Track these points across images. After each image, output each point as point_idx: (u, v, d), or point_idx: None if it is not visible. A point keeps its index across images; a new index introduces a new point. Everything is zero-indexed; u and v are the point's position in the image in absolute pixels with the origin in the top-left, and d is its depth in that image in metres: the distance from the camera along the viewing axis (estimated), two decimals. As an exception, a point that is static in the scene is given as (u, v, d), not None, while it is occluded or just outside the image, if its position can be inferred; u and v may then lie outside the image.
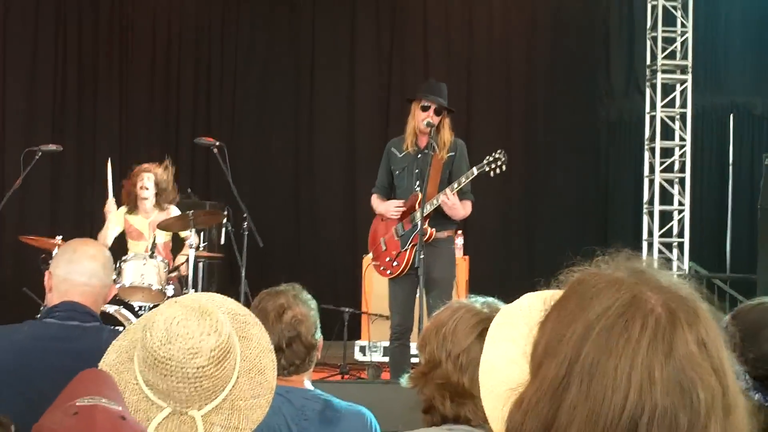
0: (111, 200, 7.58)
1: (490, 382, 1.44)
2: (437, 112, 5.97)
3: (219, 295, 2.27)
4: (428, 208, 5.84)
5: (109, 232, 7.60)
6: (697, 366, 1.03)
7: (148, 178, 7.59)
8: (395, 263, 6.05)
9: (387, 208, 6.17)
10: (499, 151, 5.85)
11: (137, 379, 1.99)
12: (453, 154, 6.04)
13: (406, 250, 5.99)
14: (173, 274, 7.37)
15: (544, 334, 1.13)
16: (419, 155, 6.02)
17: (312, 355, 2.93)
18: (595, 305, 1.08)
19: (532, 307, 1.47)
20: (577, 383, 1.04)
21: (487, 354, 1.49)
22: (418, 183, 5.94)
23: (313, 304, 2.99)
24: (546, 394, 1.06)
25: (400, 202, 6.11)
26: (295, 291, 2.99)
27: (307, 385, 2.94)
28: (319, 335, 2.95)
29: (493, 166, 5.80)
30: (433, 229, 5.90)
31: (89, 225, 10.00)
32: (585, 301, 1.09)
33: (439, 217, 5.94)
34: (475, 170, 5.82)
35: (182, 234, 7.72)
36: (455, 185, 5.82)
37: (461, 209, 5.92)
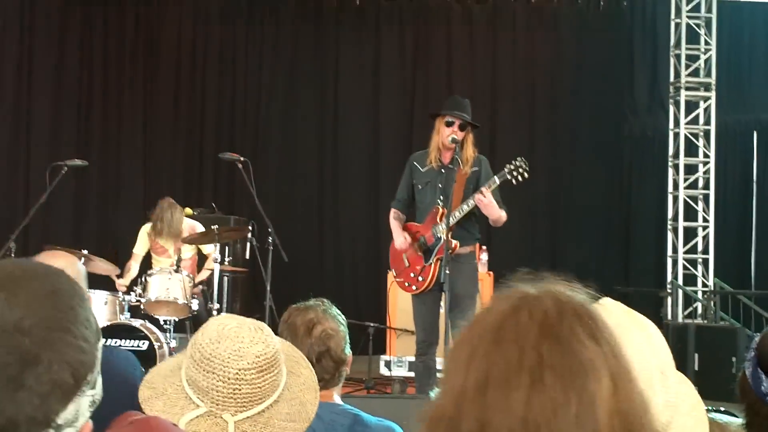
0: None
1: None
2: (461, 128, 5.97)
3: (279, 338, 2.27)
4: (451, 221, 5.83)
5: (134, 267, 7.74)
6: (587, 351, 1.04)
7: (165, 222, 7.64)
8: (420, 278, 6.03)
9: (403, 246, 6.14)
10: (519, 159, 5.84)
11: (182, 380, 2.04)
12: (477, 169, 6.03)
13: (430, 264, 5.98)
14: (197, 288, 7.41)
15: (450, 353, 1.15)
16: (443, 170, 6.01)
17: (341, 370, 2.92)
18: (490, 311, 1.11)
19: None
20: (474, 379, 1.05)
21: None
22: (441, 198, 5.94)
23: (343, 319, 2.98)
24: (449, 400, 1.08)
25: (408, 242, 6.10)
26: (324, 306, 2.99)
27: (336, 399, 2.93)
28: (348, 350, 2.95)
29: (515, 173, 5.79)
30: (457, 242, 5.88)
31: (112, 240, 10.08)
32: (483, 312, 1.13)
33: (460, 232, 5.91)
34: (497, 179, 5.80)
35: (205, 250, 7.78)
36: (491, 183, 5.78)
37: (497, 209, 5.84)
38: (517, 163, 5.80)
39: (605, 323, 1.10)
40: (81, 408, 1.00)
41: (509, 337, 1.05)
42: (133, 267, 7.74)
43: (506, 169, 5.81)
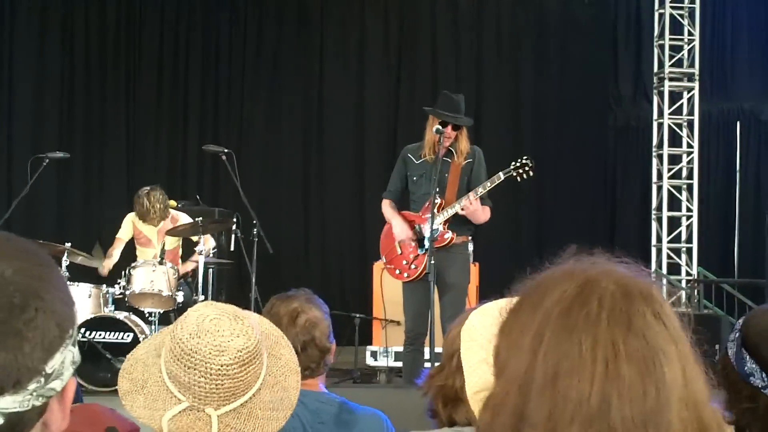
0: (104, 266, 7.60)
1: (477, 387, 1.45)
2: (455, 128, 5.98)
3: (256, 314, 2.27)
4: (448, 213, 5.87)
5: (116, 252, 7.68)
6: (657, 336, 1.04)
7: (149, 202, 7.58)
8: (413, 266, 6.04)
9: (402, 236, 6.13)
10: (525, 157, 5.89)
11: (161, 372, 2.01)
12: (471, 160, 6.05)
13: (425, 253, 5.98)
14: (181, 280, 7.39)
15: (504, 336, 1.12)
16: (437, 162, 6.01)
17: (326, 359, 2.92)
18: (550, 295, 1.08)
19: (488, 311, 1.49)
20: (542, 369, 1.04)
21: (465, 357, 1.50)
22: (437, 189, 5.92)
23: (325, 308, 2.98)
24: (513, 387, 1.06)
25: (410, 233, 6.10)
26: (307, 295, 2.99)
27: (321, 388, 2.93)
28: (332, 339, 2.95)
29: (520, 171, 5.84)
30: (454, 234, 5.92)
31: (96, 233, 10.03)
32: (540, 294, 1.10)
33: (456, 222, 5.95)
34: (501, 175, 5.84)
35: (194, 238, 7.74)
36: (480, 189, 5.82)
37: (482, 214, 5.92)
38: (524, 161, 5.85)
39: (667, 304, 1.09)
40: (66, 361, 1.01)
41: (580, 325, 1.03)
42: (115, 253, 7.68)
43: (512, 166, 5.86)
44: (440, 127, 5.90)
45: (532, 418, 1.03)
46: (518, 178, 5.87)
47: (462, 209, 5.83)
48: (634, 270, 1.12)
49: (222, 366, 1.95)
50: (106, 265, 7.51)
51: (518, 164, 5.86)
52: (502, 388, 1.08)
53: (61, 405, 1.04)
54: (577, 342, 1.02)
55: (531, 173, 5.86)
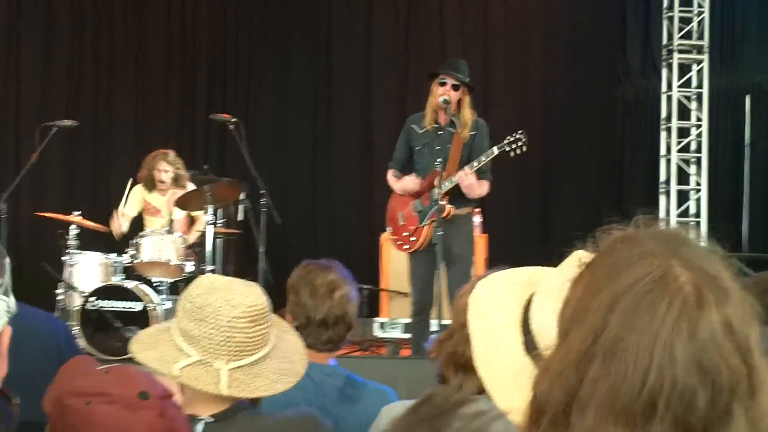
0: (119, 217, 7.60)
1: (484, 354, 1.45)
2: (455, 88, 5.97)
3: None
4: (447, 185, 5.88)
5: (125, 221, 7.68)
6: (721, 347, 1.02)
7: (168, 163, 7.63)
8: (413, 238, 6.08)
9: (404, 185, 6.18)
10: (519, 132, 5.92)
11: (172, 334, 2.07)
12: (474, 133, 6.06)
13: (424, 225, 6.02)
14: (190, 250, 7.40)
15: (573, 298, 1.12)
16: (440, 132, 6.02)
17: (347, 337, 2.95)
18: (624, 277, 1.07)
19: (513, 279, 1.49)
20: (600, 357, 1.03)
21: (472, 325, 1.50)
22: (439, 160, 5.93)
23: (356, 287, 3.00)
24: (571, 365, 1.06)
25: (417, 179, 6.14)
26: (341, 269, 2.98)
27: (330, 362, 2.93)
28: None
29: (513, 146, 5.87)
30: (452, 206, 5.94)
31: (105, 201, 10.03)
32: (615, 271, 1.08)
33: (458, 195, 5.98)
34: (495, 150, 5.88)
35: (194, 214, 7.76)
36: (474, 164, 5.86)
37: (477, 188, 5.96)
38: (517, 136, 5.89)
39: (739, 302, 1.07)
40: (0, 310, 1.06)
41: (644, 327, 1.03)
42: (124, 224, 7.69)
43: (506, 141, 5.89)
44: (447, 98, 5.90)
45: (582, 403, 1.04)
46: (511, 153, 5.90)
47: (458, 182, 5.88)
48: (715, 261, 1.11)
49: (233, 318, 2.01)
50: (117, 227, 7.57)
51: (512, 139, 5.90)
52: (562, 361, 1.08)
53: None
54: (636, 343, 1.03)
55: (524, 148, 5.90)
